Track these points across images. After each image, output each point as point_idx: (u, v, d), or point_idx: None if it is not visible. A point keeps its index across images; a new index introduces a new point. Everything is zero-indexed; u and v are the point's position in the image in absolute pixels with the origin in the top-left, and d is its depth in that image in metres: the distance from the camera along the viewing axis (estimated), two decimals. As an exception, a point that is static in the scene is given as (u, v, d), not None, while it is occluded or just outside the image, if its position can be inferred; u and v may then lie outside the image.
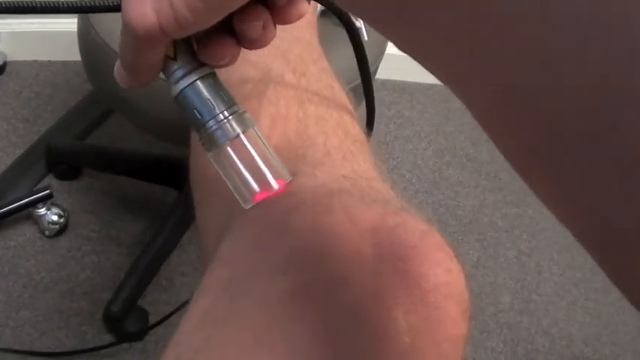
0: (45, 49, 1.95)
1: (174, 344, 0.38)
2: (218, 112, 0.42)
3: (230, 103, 0.43)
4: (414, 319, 0.36)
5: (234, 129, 0.42)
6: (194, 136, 0.61)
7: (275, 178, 0.43)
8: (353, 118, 0.59)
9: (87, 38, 1.05)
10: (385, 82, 2.26)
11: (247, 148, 0.42)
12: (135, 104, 1.06)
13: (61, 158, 1.70)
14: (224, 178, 0.43)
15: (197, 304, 0.39)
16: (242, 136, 0.42)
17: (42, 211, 1.54)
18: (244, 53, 0.66)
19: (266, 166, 0.43)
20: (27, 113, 1.82)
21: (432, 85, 2.30)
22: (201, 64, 0.43)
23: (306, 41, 0.69)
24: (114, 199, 1.69)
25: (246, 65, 0.64)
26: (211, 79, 0.43)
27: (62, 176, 1.70)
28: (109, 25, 1.01)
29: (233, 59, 0.42)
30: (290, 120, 0.55)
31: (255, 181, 0.42)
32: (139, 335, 1.46)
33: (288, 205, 0.42)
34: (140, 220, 1.66)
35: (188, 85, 0.42)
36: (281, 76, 0.61)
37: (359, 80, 1.08)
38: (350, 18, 0.53)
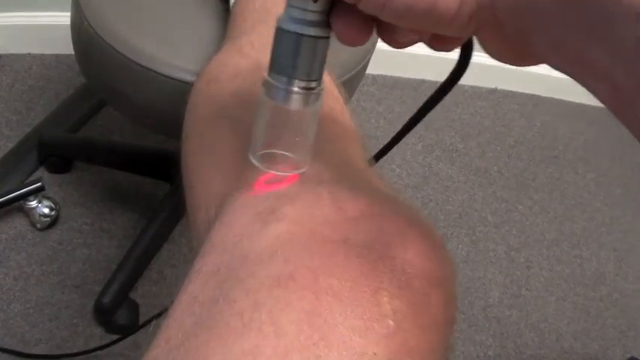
0: (38, 42, 1.95)
1: (165, 328, 0.38)
2: (300, 78, 0.40)
3: (314, 76, 0.41)
4: (398, 304, 0.37)
5: (295, 101, 0.41)
6: (185, 125, 0.62)
7: (292, 163, 0.43)
8: (344, 111, 0.59)
9: (80, 30, 1.05)
10: (376, 78, 2.26)
11: (290, 123, 0.42)
12: (127, 96, 1.06)
13: (53, 151, 1.70)
14: (255, 121, 0.43)
15: (187, 289, 0.40)
16: (293, 112, 0.41)
17: (33, 203, 1.54)
18: (238, 46, 0.67)
19: (294, 149, 0.43)
20: (19, 106, 1.82)
21: (422, 81, 2.31)
22: (326, 24, 0.40)
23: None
24: (105, 191, 1.70)
25: (238, 57, 0.64)
26: (322, 44, 0.41)
27: (54, 169, 1.70)
28: (102, 18, 1.02)
29: (357, 43, 0.40)
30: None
31: (277, 153, 0.43)
32: (130, 329, 1.46)
33: (278, 194, 0.42)
34: (131, 212, 1.66)
35: (302, 34, 0.40)
36: (272, 68, 0.61)
37: (350, 74, 1.09)
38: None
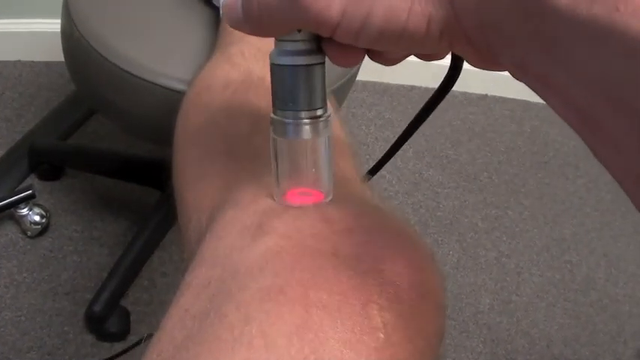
0: (28, 49, 1.95)
1: (156, 341, 0.38)
2: (302, 108, 0.40)
3: (317, 104, 0.40)
4: (388, 316, 0.37)
5: (306, 132, 0.40)
6: (176, 135, 0.62)
7: (317, 194, 0.43)
8: (335, 120, 0.60)
9: (70, 39, 1.05)
10: (366, 84, 2.27)
11: (305, 155, 0.41)
12: (117, 104, 1.06)
13: (44, 158, 1.70)
14: (272, 159, 0.42)
15: (178, 302, 0.40)
16: (306, 144, 0.41)
17: (24, 211, 1.53)
18: (228, 55, 0.67)
19: (315, 180, 0.42)
20: (9, 113, 1.82)
21: (412, 87, 2.31)
22: (318, 50, 0.39)
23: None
24: (96, 199, 1.69)
25: (228, 67, 0.64)
26: (319, 70, 0.40)
27: (44, 176, 1.70)
28: (93, 26, 1.02)
29: (352, 64, 0.40)
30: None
31: (295, 184, 0.42)
32: (121, 336, 1.46)
33: (265, 207, 0.42)
34: (122, 220, 1.66)
35: (294, 65, 0.39)
36: (262, 78, 0.61)
37: (340, 81, 1.09)
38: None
